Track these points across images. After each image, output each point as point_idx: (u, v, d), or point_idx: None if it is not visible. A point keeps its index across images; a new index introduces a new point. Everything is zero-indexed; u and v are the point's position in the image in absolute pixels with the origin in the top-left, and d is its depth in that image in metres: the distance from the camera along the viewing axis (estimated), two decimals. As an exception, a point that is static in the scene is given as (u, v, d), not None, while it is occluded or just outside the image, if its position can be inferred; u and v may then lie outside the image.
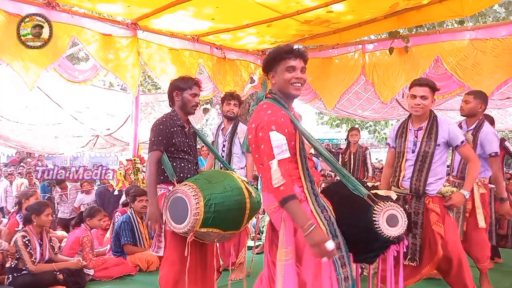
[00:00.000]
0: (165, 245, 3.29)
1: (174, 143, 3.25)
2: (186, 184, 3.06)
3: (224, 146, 4.72)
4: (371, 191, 2.45)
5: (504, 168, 5.74)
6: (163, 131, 3.21)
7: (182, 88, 3.34)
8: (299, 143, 2.35)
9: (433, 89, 3.38)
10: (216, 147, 4.86)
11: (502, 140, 5.19)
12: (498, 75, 5.41)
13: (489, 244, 4.29)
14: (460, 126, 4.24)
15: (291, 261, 2.26)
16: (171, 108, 3.44)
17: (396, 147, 3.54)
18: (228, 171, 3.41)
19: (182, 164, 3.29)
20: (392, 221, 2.37)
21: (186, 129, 3.38)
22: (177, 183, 3.18)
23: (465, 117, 4.21)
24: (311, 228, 2.16)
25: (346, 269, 2.30)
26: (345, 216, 2.38)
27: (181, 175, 3.25)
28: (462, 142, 3.32)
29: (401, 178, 3.44)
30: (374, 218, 2.34)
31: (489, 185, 4.34)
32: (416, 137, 3.41)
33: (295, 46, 2.45)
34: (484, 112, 4.32)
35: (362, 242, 2.40)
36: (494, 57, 5.40)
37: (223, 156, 4.75)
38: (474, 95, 4.17)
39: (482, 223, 4.07)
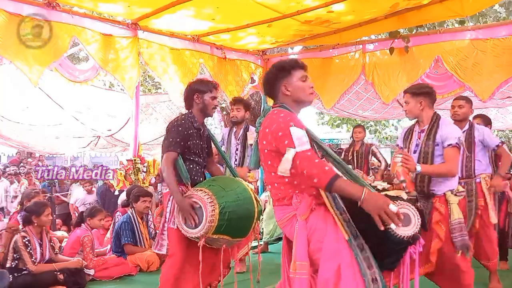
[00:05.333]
0: (169, 243, 3.35)
1: (188, 145, 3.30)
2: (201, 190, 3.10)
3: (237, 149, 4.82)
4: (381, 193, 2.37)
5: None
6: (182, 133, 3.26)
7: (203, 91, 3.40)
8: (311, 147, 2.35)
9: (414, 93, 3.45)
10: (229, 150, 4.98)
11: (500, 143, 5.27)
12: (499, 74, 5.40)
13: (497, 241, 4.40)
14: None
15: (305, 276, 2.23)
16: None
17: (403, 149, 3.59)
18: (238, 179, 3.48)
19: (191, 166, 3.35)
20: (404, 220, 2.27)
21: (201, 132, 3.43)
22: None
23: (456, 122, 4.29)
24: (365, 194, 2.13)
25: (373, 271, 2.22)
26: (357, 220, 2.32)
27: (190, 177, 3.30)
28: (450, 144, 3.30)
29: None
30: None
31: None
32: (419, 138, 3.48)
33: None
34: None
35: (378, 246, 2.30)
36: (495, 57, 5.40)
37: (236, 160, 4.92)
38: (465, 100, 4.32)
39: (494, 218, 4.14)
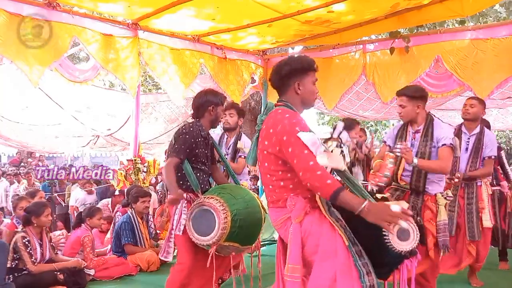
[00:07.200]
0: (178, 251, 3.38)
1: (196, 153, 3.33)
2: (212, 197, 3.12)
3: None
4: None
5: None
6: (189, 141, 3.28)
7: (217, 103, 3.45)
8: None
9: (412, 97, 3.48)
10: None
11: (498, 149, 5.26)
12: (498, 74, 5.40)
13: (489, 245, 4.41)
14: (460, 130, 4.28)
15: (297, 280, 2.21)
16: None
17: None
18: (244, 187, 3.53)
19: (198, 175, 3.37)
20: (403, 234, 2.25)
21: (207, 140, 3.47)
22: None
23: (466, 121, 4.28)
24: (365, 206, 2.08)
25: (371, 277, 2.20)
26: (355, 229, 2.30)
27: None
28: (444, 144, 3.38)
29: (399, 172, 3.54)
30: (384, 232, 2.22)
31: (492, 187, 4.49)
32: (414, 139, 3.53)
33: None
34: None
35: (374, 256, 2.28)
36: (495, 56, 5.40)
37: (223, 170, 4.63)
38: (478, 100, 4.31)
39: (487, 222, 4.15)
